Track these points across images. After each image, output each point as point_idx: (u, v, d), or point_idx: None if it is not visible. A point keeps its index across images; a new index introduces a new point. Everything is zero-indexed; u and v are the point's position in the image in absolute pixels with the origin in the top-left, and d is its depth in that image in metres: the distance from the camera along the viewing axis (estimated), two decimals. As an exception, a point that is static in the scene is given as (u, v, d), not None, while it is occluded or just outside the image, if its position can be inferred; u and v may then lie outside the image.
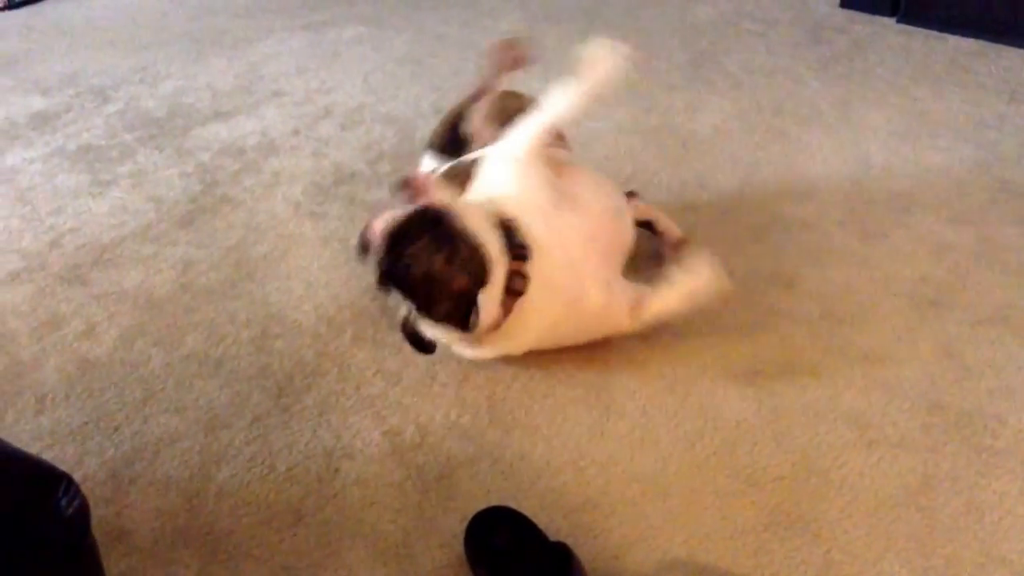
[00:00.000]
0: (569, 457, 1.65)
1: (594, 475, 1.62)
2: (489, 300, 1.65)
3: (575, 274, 1.75)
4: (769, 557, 1.46)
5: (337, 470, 1.64)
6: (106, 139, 2.85)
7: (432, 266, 1.61)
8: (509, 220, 1.72)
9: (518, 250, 1.70)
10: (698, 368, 1.85)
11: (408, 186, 1.67)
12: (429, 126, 2.34)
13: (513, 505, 1.51)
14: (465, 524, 1.47)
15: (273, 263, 2.20)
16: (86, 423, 1.77)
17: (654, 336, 1.93)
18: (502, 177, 1.83)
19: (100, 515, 1.13)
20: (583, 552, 1.43)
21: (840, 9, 3.71)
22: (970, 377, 1.80)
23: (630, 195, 2.18)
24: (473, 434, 1.71)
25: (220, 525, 1.55)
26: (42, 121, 2.98)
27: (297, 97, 3.10)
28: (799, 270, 2.13)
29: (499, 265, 1.66)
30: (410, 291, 1.64)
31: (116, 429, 1.75)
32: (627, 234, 1.97)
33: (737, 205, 2.39)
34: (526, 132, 1.86)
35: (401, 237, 1.61)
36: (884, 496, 1.56)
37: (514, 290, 1.69)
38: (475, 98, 2.17)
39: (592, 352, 1.89)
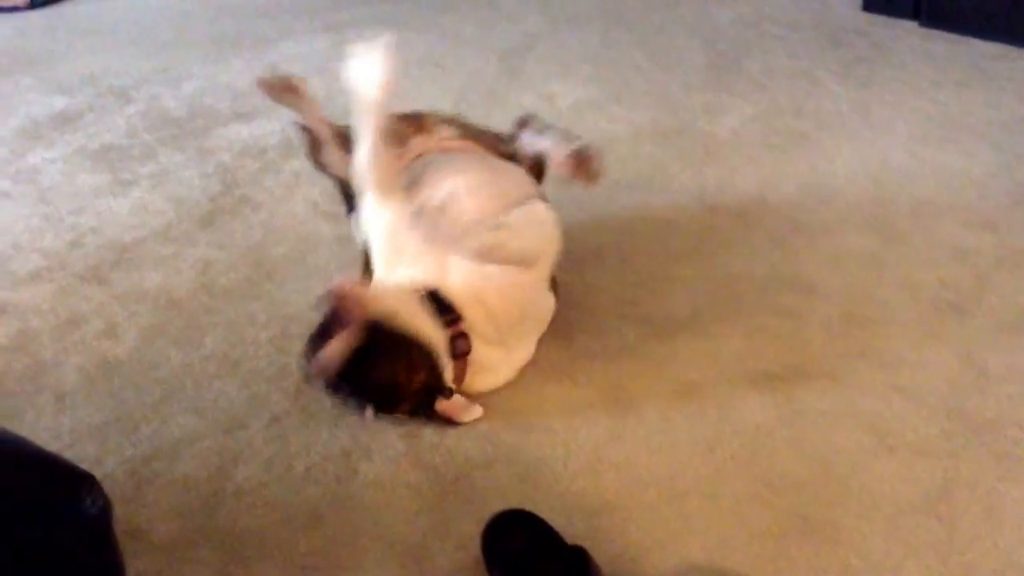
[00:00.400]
0: (586, 460, 1.65)
1: (611, 479, 1.61)
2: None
3: (498, 289, 1.75)
4: (787, 562, 1.45)
5: (355, 471, 1.64)
6: (127, 139, 2.86)
7: (393, 379, 1.65)
8: (427, 288, 1.73)
9: (449, 315, 1.71)
10: (716, 372, 1.84)
11: (338, 300, 1.62)
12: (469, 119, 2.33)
13: (530, 508, 1.50)
14: (482, 526, 1.47)
15: (292, 264, 2.21)
16: (106, 422, 1.77)
17: (671, 339, 1.93)
18: (377, 234, 1.84)
19: (119, 514, 1.14)
20: (600, 556, 1.43)
21: (862, 12, 3.69)
22: (991, 383, 1.79)
23: (522, 124, 2.08)
24: (490, 436, 1.70)
25: (238, 525, 1.55)
26: (64, 121, 3.00)
27: (318, 98, 3.10)
28: (819, 274, 2.12)
29: (442, 344, 1.69)
30: (374, 402, 1.68)
31: (135, 428, 1.76)
32: (512, 182, 1.92)
33: (756, 208, 2.38)
34: (365, 179, 1.84)
35: (354, 363, 1.60)
36: (903, 502, 1.55)
37: (462, 353, 1.73)
38: (319, 143, 2.10)
39: (609, 355, 1.88)
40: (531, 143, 2.01)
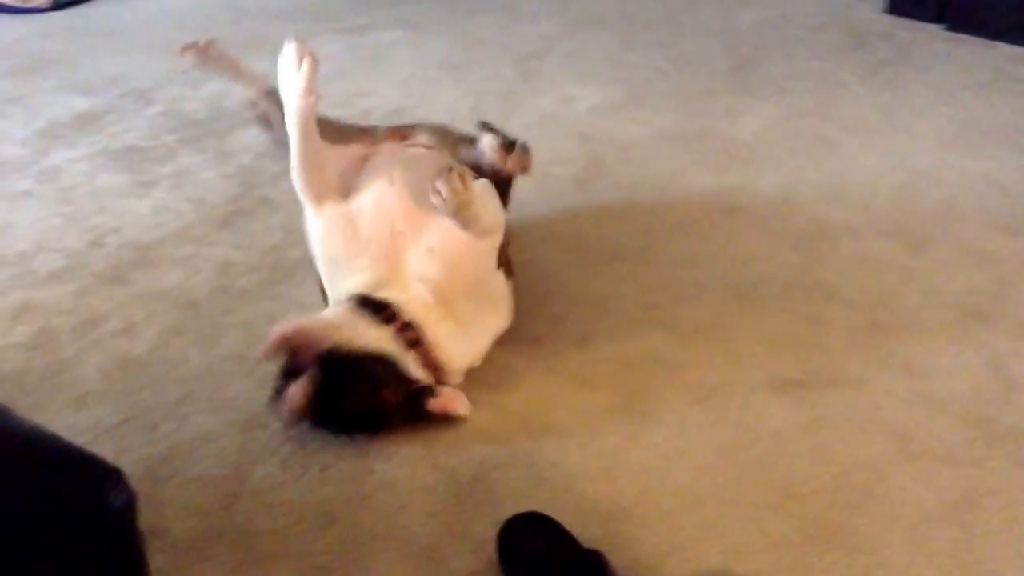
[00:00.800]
0: (603, 465, 1.64)
1: (628, 484, 1.60)
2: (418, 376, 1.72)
3: (443, 256, 1.74)
4: (806, 570, 1.44)
5: (371, 472, 1.64)
6: (148, 140, 2.87)
7: (366, 404, 1.66)
8: (359, 296, 1.73)
9: (384, 312, 1.71)
10: (736, 377, 1.83)
11: (284, 345, 1.63)
12: (466, 130, 2.33)
13: (546, 511, 1.49)
14: (497, 529, 1.46)
15: (310, 265, 2.19)
16: (124, 421, 1.78)
17: (691, 344, 1.91)
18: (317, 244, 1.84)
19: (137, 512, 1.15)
20: (616, 561, 1.42)
21: (886, 15, 3.67)
22: (1016, 391, 1.77)
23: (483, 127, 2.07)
24: (507, 439, 1.70)
25: (255, 524, 1.55)
26: (85, 122, 3.01)
27: (336, 100, 3.11)
28: (841, 279, 2.10)
29: (391, 344, 1.69)
30: (361, 430, 1.70)
31: (154, 427, 1.76)
32: (426, 166, 1.88)
33: (779, 212, 2.36)
34: (296, 187, 1.84)
35: (323, 401, 1.61)
36: (925, 511, 1.53)
37: (417, 342, 1.72)
38: (270, 120, 2.10)
39: (628, 360, 1.87)
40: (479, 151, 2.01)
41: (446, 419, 1.71)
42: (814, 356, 1.88)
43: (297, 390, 1.60)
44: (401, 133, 2.09)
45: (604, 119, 2.90)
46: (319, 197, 1.81)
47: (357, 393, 1.65)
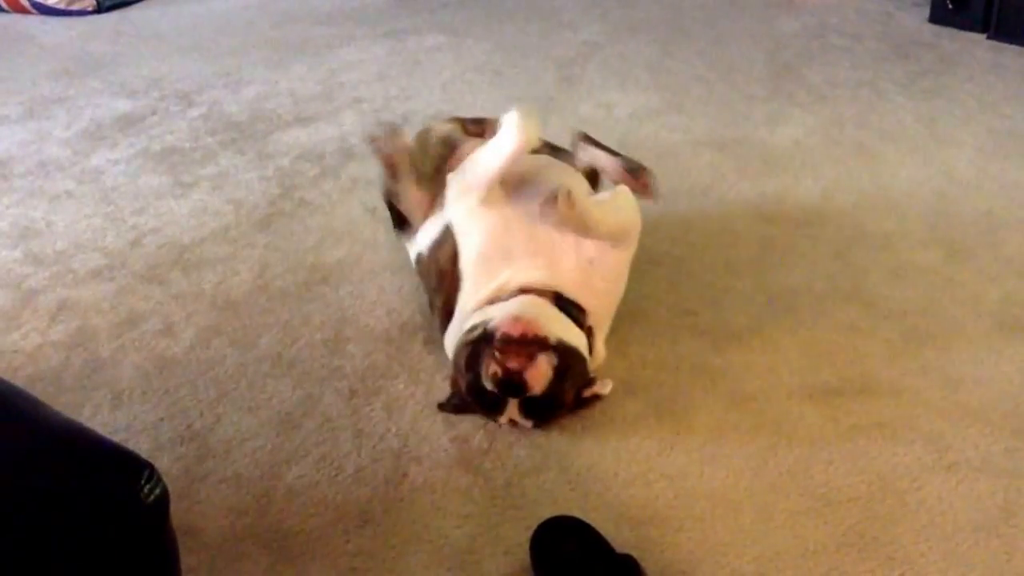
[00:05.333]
0: (638, 470, 1.63)
1: (663, 489, 1.59)
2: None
3: (601, 272, 1.80)
4: (842, 579, 1.42)
5: (405, 474, 1.64)
6: (189, 142, 2.90)
7: (570, 397, 1.69)
8: (554, 292, 1.74)
9: (580, 315, 1.75)
10: (773, 384, 1.81)
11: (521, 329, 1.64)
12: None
13: (580, 515, 1.49)
14: (531, 533, 1.46)
15: (348, 267, 2.22)
16: (161, 419, 1.79)
17: (728, 351, 1.90)
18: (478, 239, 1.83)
19: (172, 510, 1.15)
20: (650, 566, 1.41)
21: (929, 24, 3.63)
22: (1057, 402, 1.74)
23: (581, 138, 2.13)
24: (541, 443, 1.69)
25: (288, 524, 1.56)
26: (127, 123, 3.05)
27: (376, 104, 3.13)
28: (880, 288, 2.08)
29: (585, 346, 1.72)
30: (545, 418, 1.71)
31: (189, 426, 1.77)
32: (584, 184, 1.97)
33: (817, 220, 2.35)
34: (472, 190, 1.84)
35: (552, 386, 1.64)
36: (962, 521, 1.51)
37: (590, 348, 1.76)
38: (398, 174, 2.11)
39: (664, 365, 1.87)
40: (590, 157, 2.06)
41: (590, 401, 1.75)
42: (851, 364, 1.86)
43: (540, 369, 1.60)
44: (481, 128, 2.14)
45: (643, 126, 2.89)
46: (491, 199, 1.82)
47: (569, 385, 1.67)
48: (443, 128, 2.15)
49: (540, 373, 1.60)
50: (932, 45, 3.45)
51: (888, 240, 2.25)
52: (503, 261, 1.78)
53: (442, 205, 1.92)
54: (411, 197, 2.05)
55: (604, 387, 1.74)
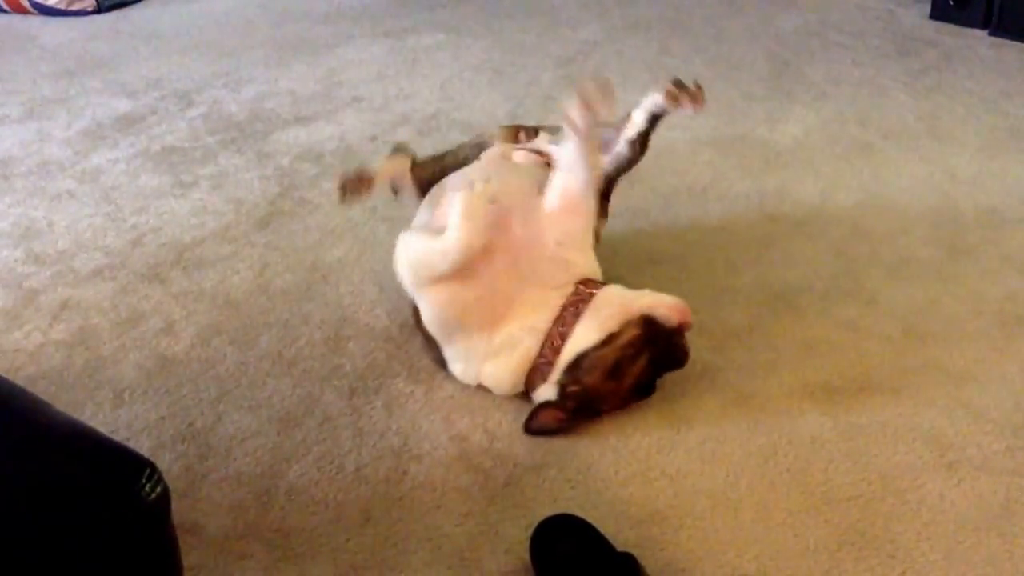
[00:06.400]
0: (638, 468, 1.63)
1: (663, 487, 1.59)
2: None
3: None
4: (842, 577, 1.43)
5: (405, 472, 1.64)
6: (189, 141, 2.90)
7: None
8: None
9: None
10: (773, 383, 1.81)
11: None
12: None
13: (580, 514, 1.49)
14: (531, 531, 1.46)
15: (347, 266, 2.22)
16: (162, 418, 1.79)
17: (728, 349, 1.90)
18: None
19: (173, 508, 1.15)
20: (650, 564, 1.41)
21: (930, 21, 3.63)
22: (1058, 400, 1.74)
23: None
24: (541, 441, 1.69)
25: (289, 522, 1.56)
26: (127, 123, 3.05)
27: (376, 103, 3.12)
28: (881, 286, 2.08)
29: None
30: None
31: (191, 425, 1.77)
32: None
33: (818, 218, 2.34)
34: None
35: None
36: (963, 519, 1.51)
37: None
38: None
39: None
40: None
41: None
42: (852, 362, 1.86)
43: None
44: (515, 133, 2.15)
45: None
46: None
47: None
48: (485, 134, 2.16)
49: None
50: (933, 42, 3.44)
51: (889, 238, 2.25)
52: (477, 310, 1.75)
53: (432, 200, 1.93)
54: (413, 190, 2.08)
55: None
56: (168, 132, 2.97)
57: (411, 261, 1.76)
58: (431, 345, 1.83)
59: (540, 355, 1.71)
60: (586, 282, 1.76)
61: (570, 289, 1.74)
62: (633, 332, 1.68)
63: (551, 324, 1.71)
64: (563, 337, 1.70)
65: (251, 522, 1.56)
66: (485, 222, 1.68)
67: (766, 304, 2.04)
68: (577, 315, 1.71)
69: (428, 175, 2.05)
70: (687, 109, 1.95)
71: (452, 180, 1.92)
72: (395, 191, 2.11)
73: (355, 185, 2.02)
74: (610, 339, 1.67)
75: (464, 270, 1.69)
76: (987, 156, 2.61)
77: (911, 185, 2.48)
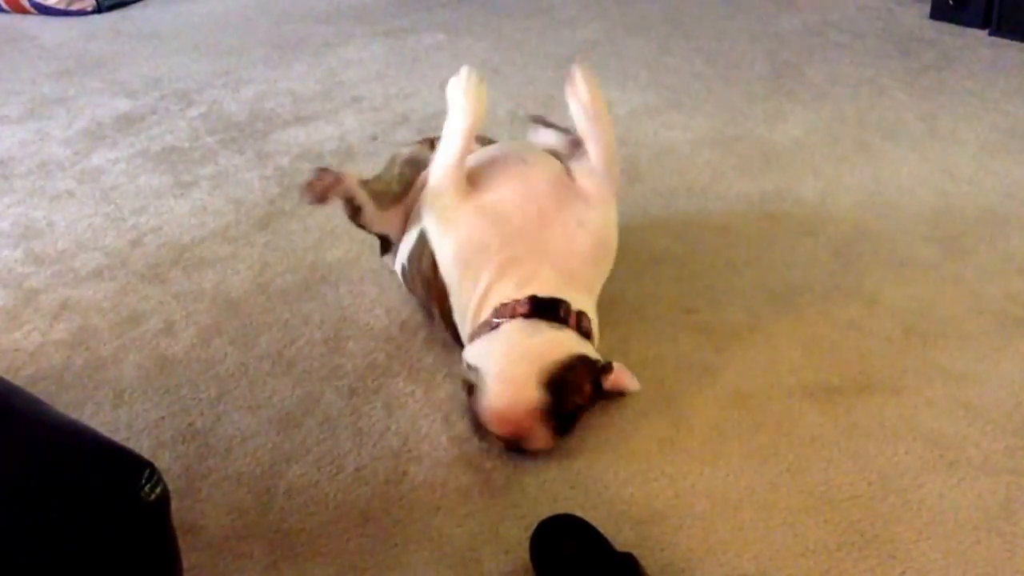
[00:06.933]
0: (638, 468, 1.63)
1: (663, 487, 1.59)
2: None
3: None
4: (842, 577, 1.43)
5: (404, 473, 1.64)
6: (188, 141, 2.90)
7: (580, 406, 1.67)
8: (530, 299, 1.70)
9: (559, 311, 1.70)
10: (773, 383, 1.81)
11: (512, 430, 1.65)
12: (505, 134, 2.34)
13: (579, 514, 1.49)
14: (530, 531, 1.46)
15: (347, 266, 2.22)
16: (162, 418, 1.79)
17: (728, 349, 1.90)
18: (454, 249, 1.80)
19: (173, 508, 1.15)
20: (650, 564, 1.41)
21: (929, 21, 3.63)
22: (1058, 399, 1.74)
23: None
24: (541, 441, 1.69)
25: (289, 522, 1.56)
26: (127, 123, 3.05)
27: (376, 103, 3.13)
28: (881, 286, 2.08)
29: (576, 342, 1.69)
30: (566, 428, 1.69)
31: (190, 425, 1.77)
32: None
33: (817, 218, 2.34)
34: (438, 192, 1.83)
35: (558, 423, 1.65)
36: (963, 519, 1.51)
37: (588, 328, 1.73)
38: (358, 208, 2.03)
39: (664, 363, 1.86)
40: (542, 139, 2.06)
41: (613, 396, 1.73)
42: (852, 362, 1.86)
43: (542, 435, 1.62)
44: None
45: (643, 123, 2.89)
46: (462, 195, 1.79)
47: (575, 402, 1.65)
48: (407, 150, 2.12)
49: (539, 437, 1.63)
50: (933, 42, 3.44)
51: (889, 238, 2.25)
52: (482, 259, 1.75)
53: (418, 217, 1.91)
54: (380, 220, 2.02)
55: (630, 380, 1.71)
56: (168, 132, 2.97)
57: (434, 174, 1.81)
58: (438, 298, 1.83)
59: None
60: (526, 307, 1.70)
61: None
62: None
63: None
64: (471, 338, 1.73)
65: (251, 522, 1.56)
66: (480, 97, 1.77)
67: (767, 304, 2.04)
68: (483, 333, 1.71)
69: (380, 188, 2.02)
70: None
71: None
72: (350, 204, 2.01)
73: (324, 184, 1.95)
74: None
75: (490, 209, 1.75)
76: (987, 156, 2.61)
77: (911, 185, 2.48)
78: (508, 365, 1.64)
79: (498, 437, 1.64)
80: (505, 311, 1.69)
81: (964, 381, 1.80)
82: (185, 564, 1.40)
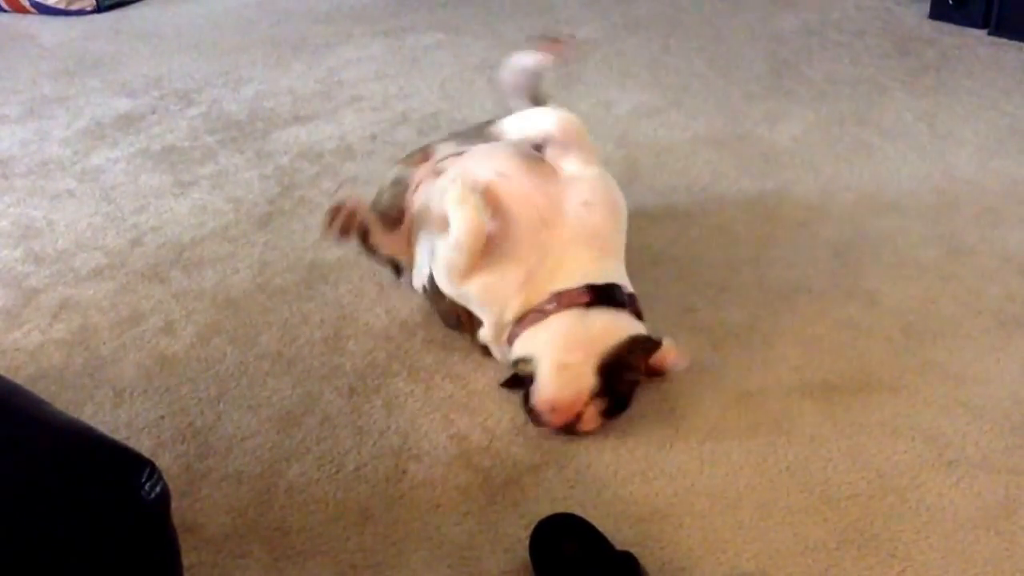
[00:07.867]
0: (637, 467, 1.63)
1: (662, 486, 1.59)
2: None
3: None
4: (841, 575, 1.42)
5: (404, 471, 1.64)
6: (189, 141, 2.90)
7: (635, 385, 1.74)
8: (585, 287, 1.72)
9: (621, 297, 1.75)
10: (772, 382, 1.82)
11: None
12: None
13: (579, 513, 1.49)
14: (530, 530, 1.46)
15: (347, 266, 2.22)
16: (162, 417, 1.79)
17: (727, 348, 1.90)
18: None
19: (173, 508, 1.15)
20: (649, 563, 1.41)
21: (929, 20, 3.63)
22: (1057, 398, 1.74)
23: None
24: (540, 440, 1.69)
25: (289, 521, 1.56)
26: (127, 122, 3.05)
27: (375, 102, 3.13)
28: (880, 285, 2.08)
29: (635, 320, 1.75)
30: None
31: (190, 424, 1.77)
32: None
33: (817, 218, 2.35)
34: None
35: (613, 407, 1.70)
36: (962, 518, 1.51)
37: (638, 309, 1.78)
38: (367, 229, 2.03)
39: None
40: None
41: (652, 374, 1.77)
42: (851, 361, 1.86)
43: (588, 417, 1.66)
44: (426, 153, 2.09)
45: (642, 123, 2.89)
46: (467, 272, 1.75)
47: (631, 382, 1.71)
48: (390, 173, 2.12)
49: (589, 420, 1.67)
50: (932, 41, 3.45)
51: (888, 237, 2.25)
52: (505, 295, 1.74)
53: (418, 237, 1.92)
54: (387, 243, 2.02)
55: (679, 357, 1.75)
56: (168, 131, 2.97)
57: (440, 269, 1.78)
58: (467, 315, 1.83)
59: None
60: (571, 293, 1.71)
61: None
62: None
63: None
64: (511, 339, 1.74)
65: (251, 521, 1.56)
66: (477, 202, 1.69)
67: (766, 303, 2.04)
68: (533, 323, 1.71)
69: (380, 210, 2.03)
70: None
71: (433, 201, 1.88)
72: (361, 228, 2.00)
73: (343, 220, 1.94)
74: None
75: (496, 253, 1.72)
76: (986, 155, 2.61)
77: (910, 184, 2.48)
78: (565, 354, 1.67)
79: (552, 423, 1.67)
80: (563, 300, 1.70)
81: (963, 380, 1.80)
82: (185, 563, 1.41)
